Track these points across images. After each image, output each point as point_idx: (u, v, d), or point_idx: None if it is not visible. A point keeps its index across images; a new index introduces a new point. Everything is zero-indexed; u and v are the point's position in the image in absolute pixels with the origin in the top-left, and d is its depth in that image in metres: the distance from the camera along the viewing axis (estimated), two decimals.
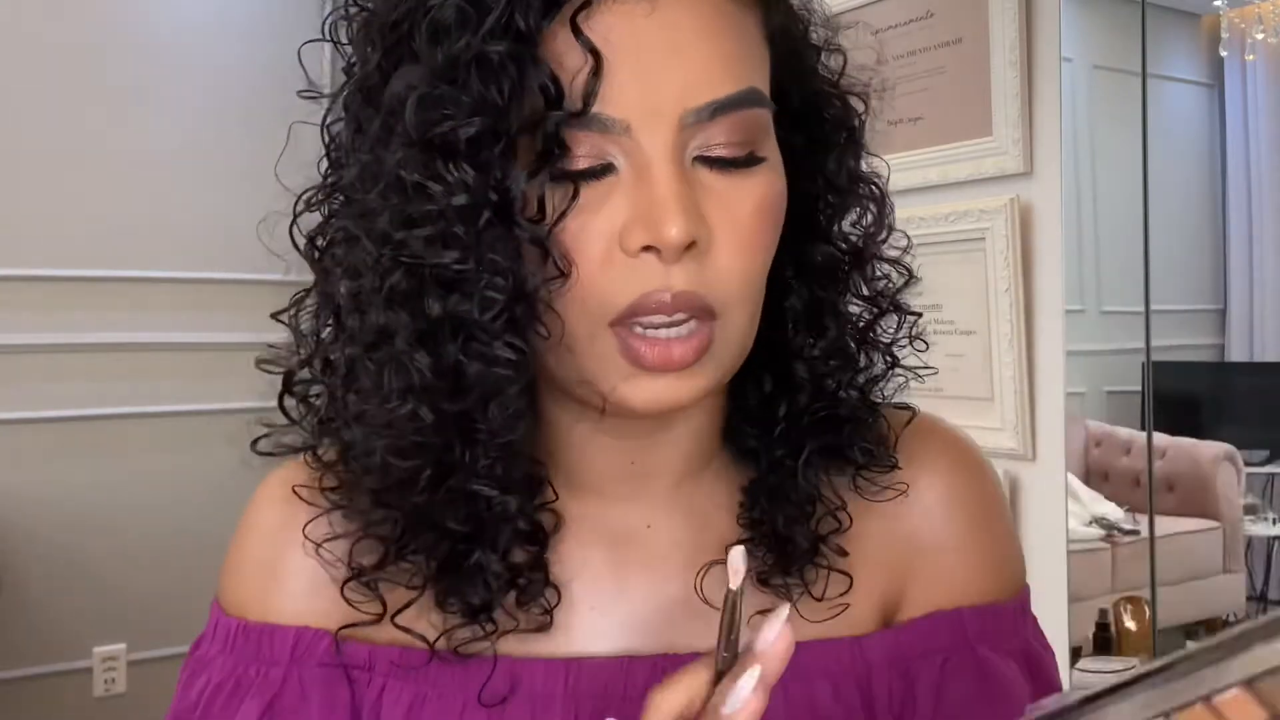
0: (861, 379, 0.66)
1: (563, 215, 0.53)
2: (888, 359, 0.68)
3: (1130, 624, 2.05)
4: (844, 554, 0.63)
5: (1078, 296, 2.19)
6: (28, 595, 3.02)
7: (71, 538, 3.06)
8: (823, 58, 0.65)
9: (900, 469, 0.66)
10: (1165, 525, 2.21)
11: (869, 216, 0.67)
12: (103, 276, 3.11)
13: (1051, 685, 0.67)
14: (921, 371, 0.69)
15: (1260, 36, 2.40)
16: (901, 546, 0.66)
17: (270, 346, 0.63)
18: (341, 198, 0.59)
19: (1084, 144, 2.23)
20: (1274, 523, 2.40)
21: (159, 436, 3.18)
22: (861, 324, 0.67)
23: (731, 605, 0.48)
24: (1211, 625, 2.41)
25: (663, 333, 0.54)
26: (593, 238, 0.54)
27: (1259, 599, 2.45)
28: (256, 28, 3.21)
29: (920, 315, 0.69)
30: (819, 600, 0.62)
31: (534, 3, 0.51)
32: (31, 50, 3.02)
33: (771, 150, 0.58)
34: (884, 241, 0.68)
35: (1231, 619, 2.43)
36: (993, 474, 0.70)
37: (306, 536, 0.65)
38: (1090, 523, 2.22)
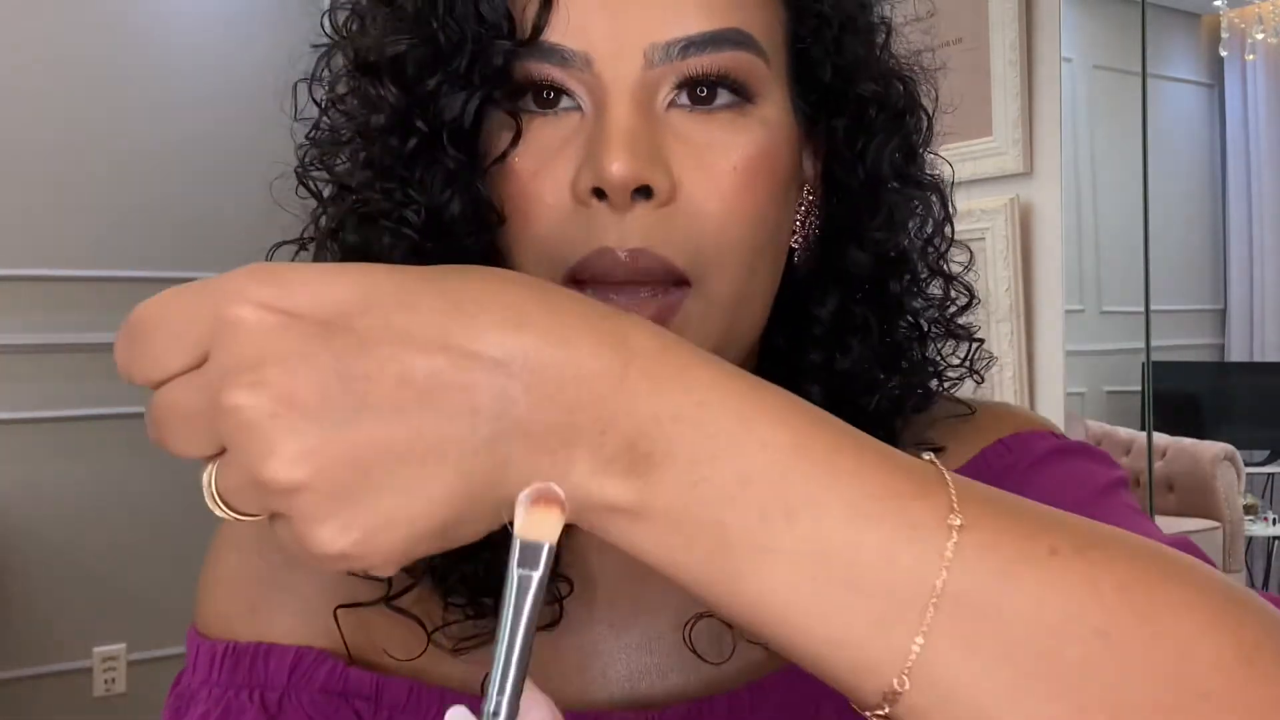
0: (888, 404, 0.59)
1: (504, 154, 0.51)
2: (925, 385, 0.61)
3: None
4: None
5: (1078, 296, 2.19)
6: (28, 595, 3.01)
7: (71, 538, 3.06)
8: (864, 30, 0.57)
9: None
10: (1165, 525, 2.20)
11: (928, 223, 0.60)
12: (103, 276, 3.11)
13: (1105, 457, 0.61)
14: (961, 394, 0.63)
15: (1260, 36, 2.40)
16: None
17: None
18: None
19: (1084, 144, 2.23)
20: (1274, 523, 2.40)
21: None
22: (903, 345, 0.60)
23: (515, 607, 0.32)
24: None
25: (620, 300, 0.49)
26: (547, 181, 0.50)
27: None
28: (261, 25, 3.21)
29: (982, 341, 0.62)
30: None
31: None
32: (29, 50, 3.02)
33: (767, 102, 0.52)
34: (941, 254, 0.61)
35: None
36: None
37: None
38: None
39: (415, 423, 0.33)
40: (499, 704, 0.32)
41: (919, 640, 0.35)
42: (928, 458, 0.39)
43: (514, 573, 0.32)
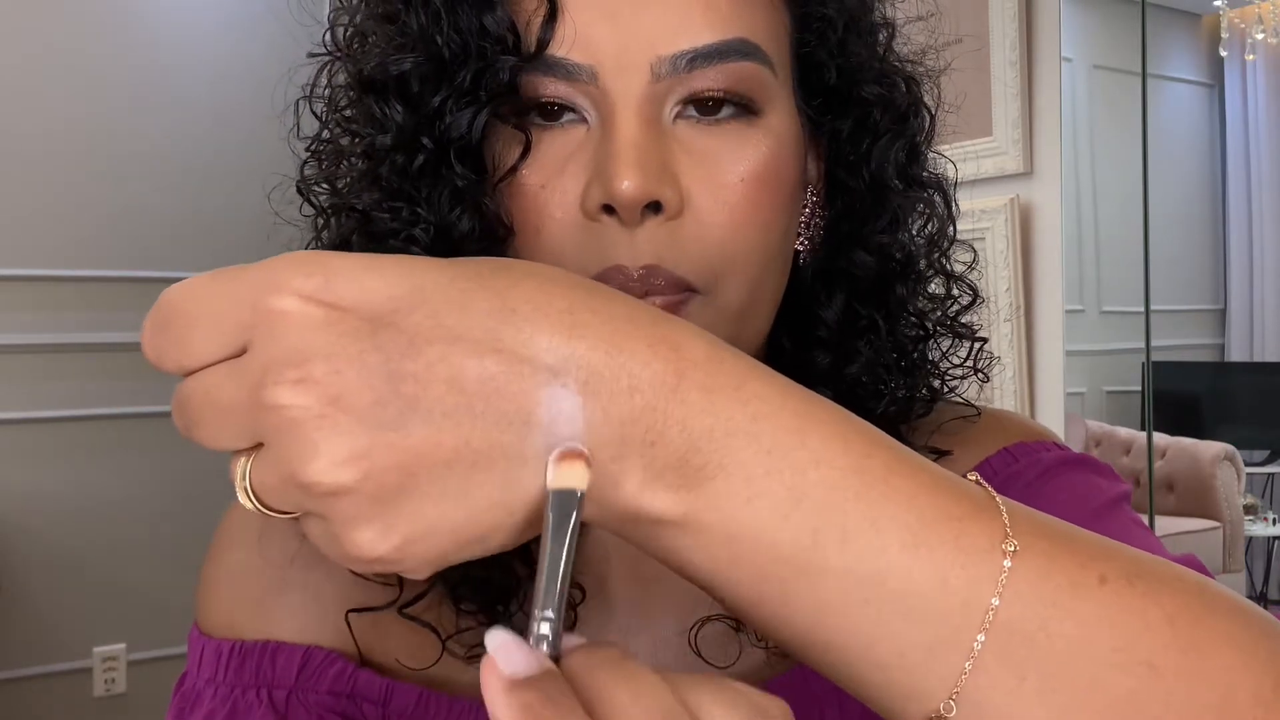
0: (895, 407, 0.58)
1: (513, 169, 0.50)
2: (930, 388, 0.61)
3: None
4: None
5: (1078, 296, 2.19)
6: (28, 595, 3.01)
7: (71, 538, 3.06)
8: (868, 31, 0.57)
9: None
10: (1165, 525, 2.21)
11: (932, 223, 0.60)
12: (102, 276, 3.11)
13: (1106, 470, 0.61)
14: (966, 398, 0.62)
15: (1260, 36, 2.40)
16: None
17: None
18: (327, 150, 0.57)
19: (1084, 144, 2.23)
20: (1274, 523, 2.40)
21: (159, 436, 3.18)
22: (908, 345, 0.59)
23: (560, 531, 0.32)
24: None
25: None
26: (554, 197, 0.49)
27: (1259, 599, 2.45)
28: (259, 25, 3.21)
29: (985, 340, 0.62)
30: None
31: None
32: (29, 50, 3.02)
33: (774, 112, 0.52)
34: (945, 253, 0.61)
35: None
36: None
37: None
38: None
39: (465, 429, 0.32)
40: (544, 621, 0.31)
41: (968, 665, 0.34)
42: (973, 478, 0.39)
43: (550, 519, 0.32)
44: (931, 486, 0.36)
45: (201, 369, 0.33)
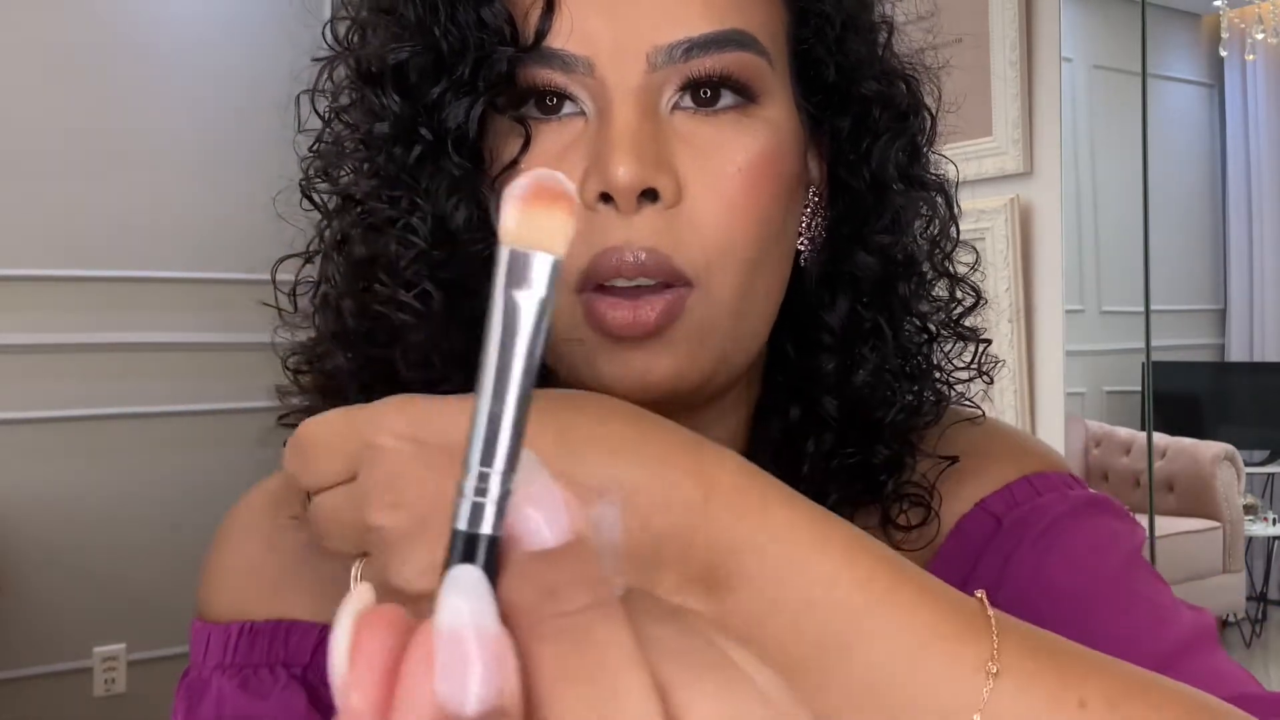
0: (903, 415, 0.58)
1: (514, 161, 0.50)
2: (937, 392, 0.61)
3: None
4: None
5: (1078, 296, 2.19)
6: (28, 595, 3.01)
7: (71, 538, 3.06)
8: (867, 29, 0.57)
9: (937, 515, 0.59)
10: (1165, 525, 2.21)
11: (934, 224, 0.60)
12: (103, 276, 3.11)
13: (1122, 514, 0.61)
14: (972, 403, 0.64)
15: (1260, 36, 2.40)
16: None
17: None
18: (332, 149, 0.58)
19: (1084, 144, 2.23)
20: (1274, 523, 2.40)
21: (159, 436, 3.18)
22: (913, 350, 0.59)
23: (504, 344, 0.22)
24: None
25: (630, 304, 0.49)
26: None
27: (1259, 598, 2.45)
28: (258, 26, 3.21)
29: (989, 342, 0.63)
30: None
31: None
32: (31, 50, 3.02)
33: (771, 103, 0.52)
34: (947, 255, 0.61)
35: (1231, 619, 2.43)
36: None
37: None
38: None
39: None
40: (485, 462, 0.22)
41: None
42: (980, 595, 0.43)
43: (501, 296, 0.22)
44: (931, 605, 0.41)
45: (327, 488, 0.41)
